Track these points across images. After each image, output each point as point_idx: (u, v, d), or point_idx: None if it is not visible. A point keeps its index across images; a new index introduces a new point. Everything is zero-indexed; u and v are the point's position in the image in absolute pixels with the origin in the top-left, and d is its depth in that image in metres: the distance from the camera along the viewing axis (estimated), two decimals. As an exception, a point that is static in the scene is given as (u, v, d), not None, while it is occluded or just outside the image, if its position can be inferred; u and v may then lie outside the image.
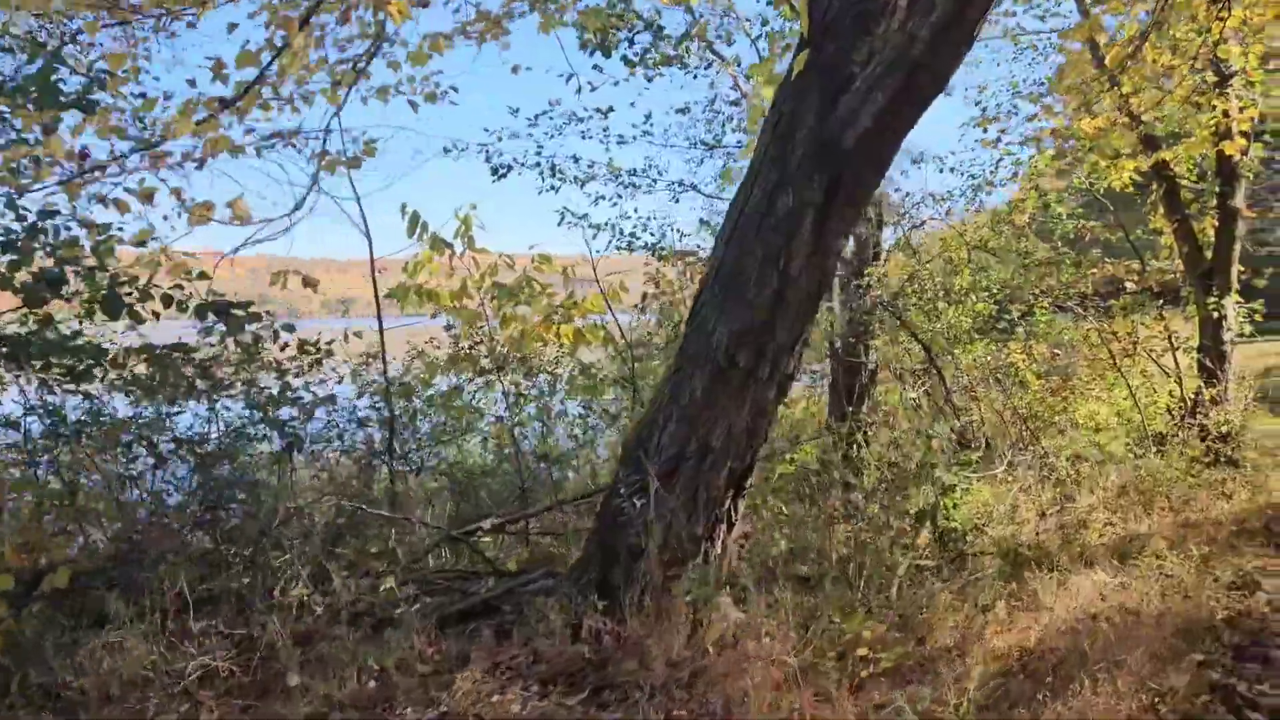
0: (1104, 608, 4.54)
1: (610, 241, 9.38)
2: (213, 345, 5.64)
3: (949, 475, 6.80)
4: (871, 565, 5.96)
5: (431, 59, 5.44)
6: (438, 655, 4.18)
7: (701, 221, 9.44)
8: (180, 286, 5.20)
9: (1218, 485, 8.15)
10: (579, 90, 9.33)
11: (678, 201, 9.92)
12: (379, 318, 6.16)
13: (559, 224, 8.75)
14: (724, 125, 9.94)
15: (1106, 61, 7.28)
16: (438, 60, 6.02)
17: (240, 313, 5.29)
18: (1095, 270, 8.70)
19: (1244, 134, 8.67)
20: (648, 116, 9.73)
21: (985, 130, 10.22)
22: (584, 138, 9.70)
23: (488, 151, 9.55)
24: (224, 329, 5.42)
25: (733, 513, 4.68)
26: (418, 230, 6.04)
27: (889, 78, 4.02)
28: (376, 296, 6.09)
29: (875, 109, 4.06)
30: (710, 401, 4.39)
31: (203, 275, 5.23)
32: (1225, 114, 8.59)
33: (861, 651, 4.26)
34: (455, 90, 5.62)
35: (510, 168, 9.63)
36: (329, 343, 5.75)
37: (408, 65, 6.01)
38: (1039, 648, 4.27)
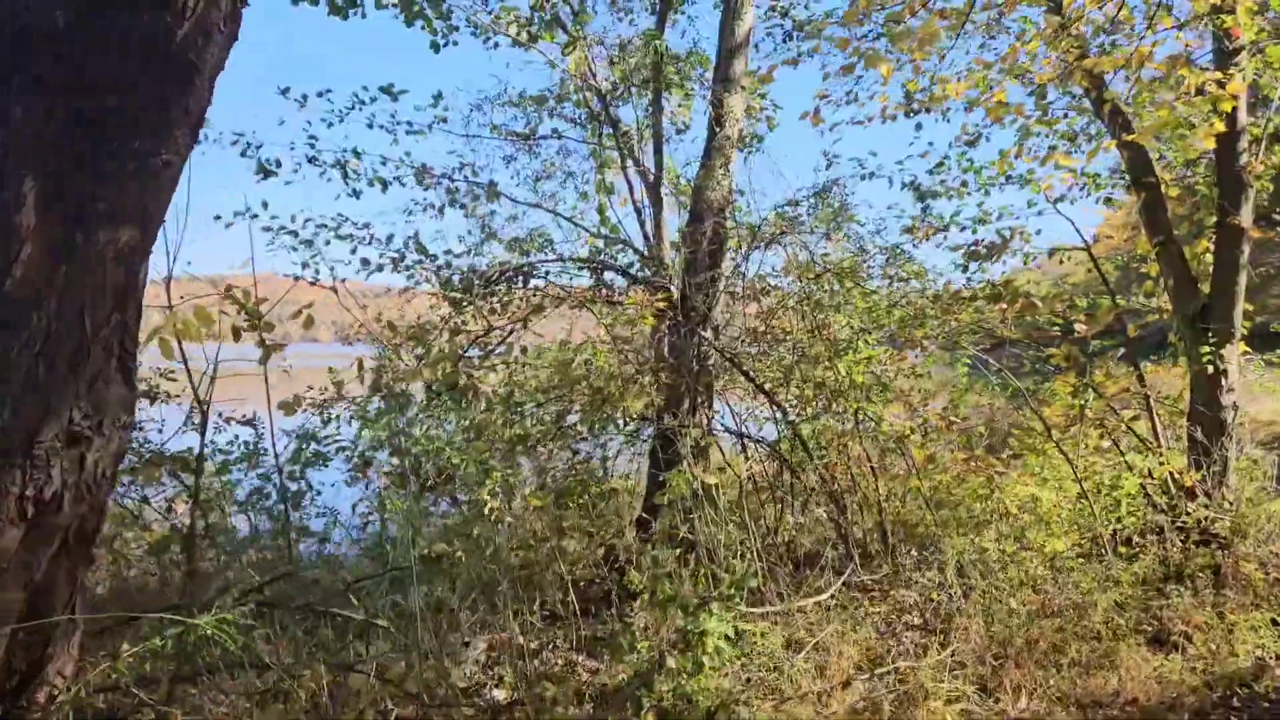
0: None
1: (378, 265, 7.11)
2: None
3: (704, 616, 4.45)
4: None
5: None
6: None
7: (483, 233, 7.15)
8: None
9: (1177, 620, 5.59)
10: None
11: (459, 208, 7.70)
12: None
13: (268, 246, 6.47)
14: (547, 108, 7.70)
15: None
16: None
17: None
18: (1006, 308, 6.18)
19: (1225, 115, 6.14)
20: (437, 97, 7.58)
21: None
22: (370, 126, 7.62)
23: (246, 142, 7.49)
24: None
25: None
26: None
27: None
28: None
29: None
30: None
31: None
32: (1200, 90, 6.07)
33: None
34: None
35: (279, 163, 7.54)
36: None
37: None
38: None
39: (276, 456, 4.71)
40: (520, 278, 6.52)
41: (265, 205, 6.07)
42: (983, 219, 7.27)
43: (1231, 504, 7.11)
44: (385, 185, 7.90)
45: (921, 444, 6.63)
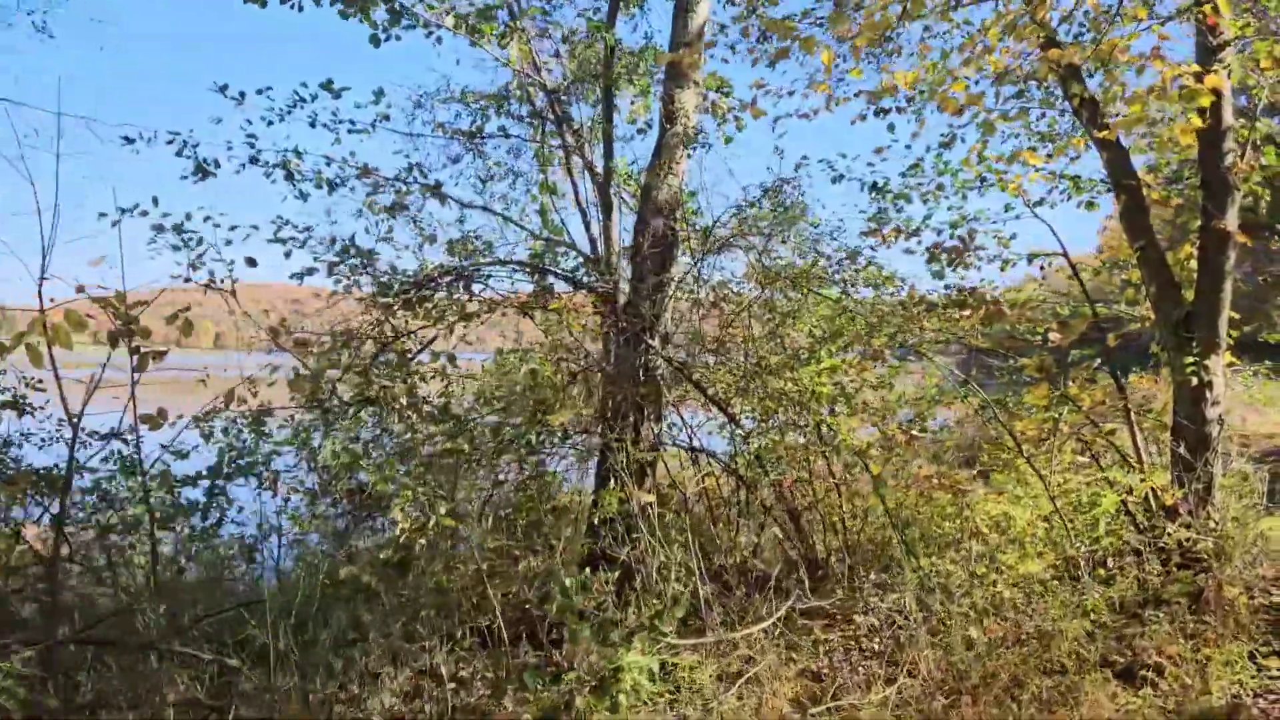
0: None
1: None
2: None
3: (623, 649, 4.07)
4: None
5: None
6: None
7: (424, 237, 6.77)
8: None
9: (1151, 651, 5.18)
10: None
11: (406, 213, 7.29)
12: None
13: (150, 242, 6.03)
14: (491, 107, 7.31)
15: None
16: None
17: None
18: (970, 314, 5.79)
19: (1203, 111, 5.75)
20: (378, 94, 7.22)
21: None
22: (312, 125, 7.27)
23: (182, 141, 7.12)
24: None
25: None
26: None
27: None
28: None
29: None
30: None
31: None
32: (1180, 84, 5.68)
33: None
34: None
35: (217, 163, 7.15)
36: None
37: None
38: None
39: (143, 474, 4.32)
40: (460, 282, 6.15)
41: (156, 201, 5.65)
42: (956, 223, 6.89)
43: (1216, 524, 6.70)
44: (333, 187, 7.56)
45: (887, 458, 6.24)
